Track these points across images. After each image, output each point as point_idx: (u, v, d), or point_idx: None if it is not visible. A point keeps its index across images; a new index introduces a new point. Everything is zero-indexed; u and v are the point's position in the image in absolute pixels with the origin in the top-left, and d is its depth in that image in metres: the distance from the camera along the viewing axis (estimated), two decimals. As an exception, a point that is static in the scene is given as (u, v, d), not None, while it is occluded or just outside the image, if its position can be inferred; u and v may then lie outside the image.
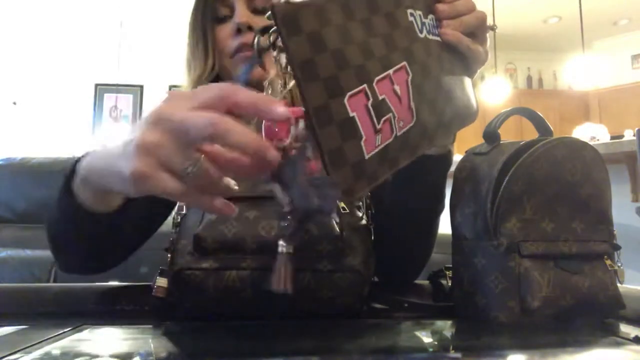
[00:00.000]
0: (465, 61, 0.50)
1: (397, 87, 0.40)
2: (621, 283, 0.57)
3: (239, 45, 0.71)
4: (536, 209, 0.54)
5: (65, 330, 0.48)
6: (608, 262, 0.57)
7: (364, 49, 0.38)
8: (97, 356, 0.41)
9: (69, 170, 0.50)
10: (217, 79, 0.73)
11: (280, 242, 0.37)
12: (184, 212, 0.55)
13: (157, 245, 0.78)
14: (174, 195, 0.33)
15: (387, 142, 0.39)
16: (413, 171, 0.50)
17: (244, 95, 0.34)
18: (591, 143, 0.68)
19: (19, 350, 0.40)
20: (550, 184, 0.55)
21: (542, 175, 0.54)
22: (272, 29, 0.35)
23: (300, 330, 0.51)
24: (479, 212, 0.55)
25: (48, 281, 1.42)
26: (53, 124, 5.76)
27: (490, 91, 4.95)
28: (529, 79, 6.52)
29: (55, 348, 0.42)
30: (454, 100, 0.48)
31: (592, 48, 5.82)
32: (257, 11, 0.73)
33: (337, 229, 0.50)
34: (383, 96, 0.38)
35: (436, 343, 0.51)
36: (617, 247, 0.59)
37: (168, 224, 0.61)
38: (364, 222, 0.55)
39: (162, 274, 0.54)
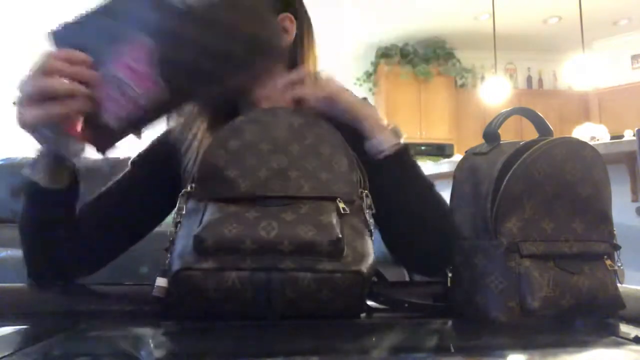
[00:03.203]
0: None
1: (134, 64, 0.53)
2: (621, 283, 0.57)
3: None
4: (536, 209, 0.54)
5: (65, 330, 0.48)
6: (608, 262, 0.57)
7: None
8: (97, 356, 0.41)
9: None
10: None
11: None
12: (184, 212, 0.55)
13: (157, 246, 0.78)
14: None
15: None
16: (383, 179, 0.61)
17: None
18: (591, 143, 0.68)
19: (19, 350, 0.39)
20: (550, 184, 0.55)
21: (542, 175, 0.54)
22: None
23: (300, 330, 0.51)
24: (479, 212, 0.55)
25: (48, 281, 1.42)
26: (53, 124, 5.75)
27: (490, 91, 4.96)
28: (529, 79, 6.52)
29: (55, 348, 0.42)
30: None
31: (592, 48, 5.82)
32: None
33: (338, 230, 0.50)
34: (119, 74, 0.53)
35: (436, 343, 0.51)
36: (617, 247, 0.59)
37: (168, 223, 0.61)
38: (364, 221, 0.55)
39: (163, 274, 0.54)
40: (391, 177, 0.65)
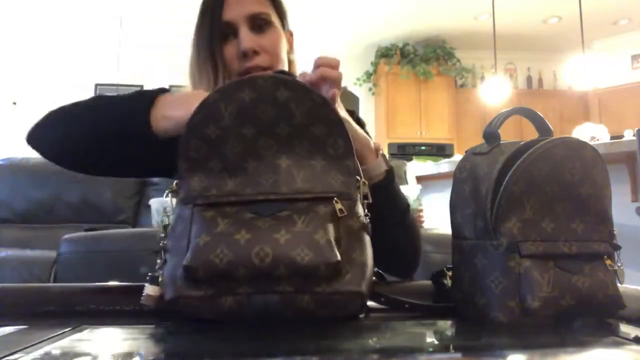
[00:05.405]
0: None
1: None
2: (621, 283, 0.57)
3: (246, 69, 0.79)
4: (536, 209, 0.54)
5: (65, 330, 0.48)
6: (608, 262, 0.57)
7: None
8: (97, 356, 0.41)
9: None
10: None
11: None
12: (171, 214, 0.53)
13: (156, 246, 0.78)
14: None
15: None
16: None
17: None
18: (591, 143, 0.68)
19: (19, 350, 0.40)
20: (550, 184, 0.55)
21: (542, 175, 0.54)
22: None
23: (300, 330, 0.51)
24: (479, 212, 0.55)
25: (48, 281, 1.42)
26: (53, 124, 5.74)
27: (490, 91, 4.95)
28: (529, 79, 6.52)
29: (55, 348, 0.42)
30: None
31: (592, 48, 5.82)
32: (256, 28, 0.81)
33: (336, 251, 0.46)
34: None
35: (436, 343, 0.51)
36: (617, 247, 0.59)
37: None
38: (362, 220, 0.53)
39: (152, 281, 0.52)
40: (378, 201, 0.60)
